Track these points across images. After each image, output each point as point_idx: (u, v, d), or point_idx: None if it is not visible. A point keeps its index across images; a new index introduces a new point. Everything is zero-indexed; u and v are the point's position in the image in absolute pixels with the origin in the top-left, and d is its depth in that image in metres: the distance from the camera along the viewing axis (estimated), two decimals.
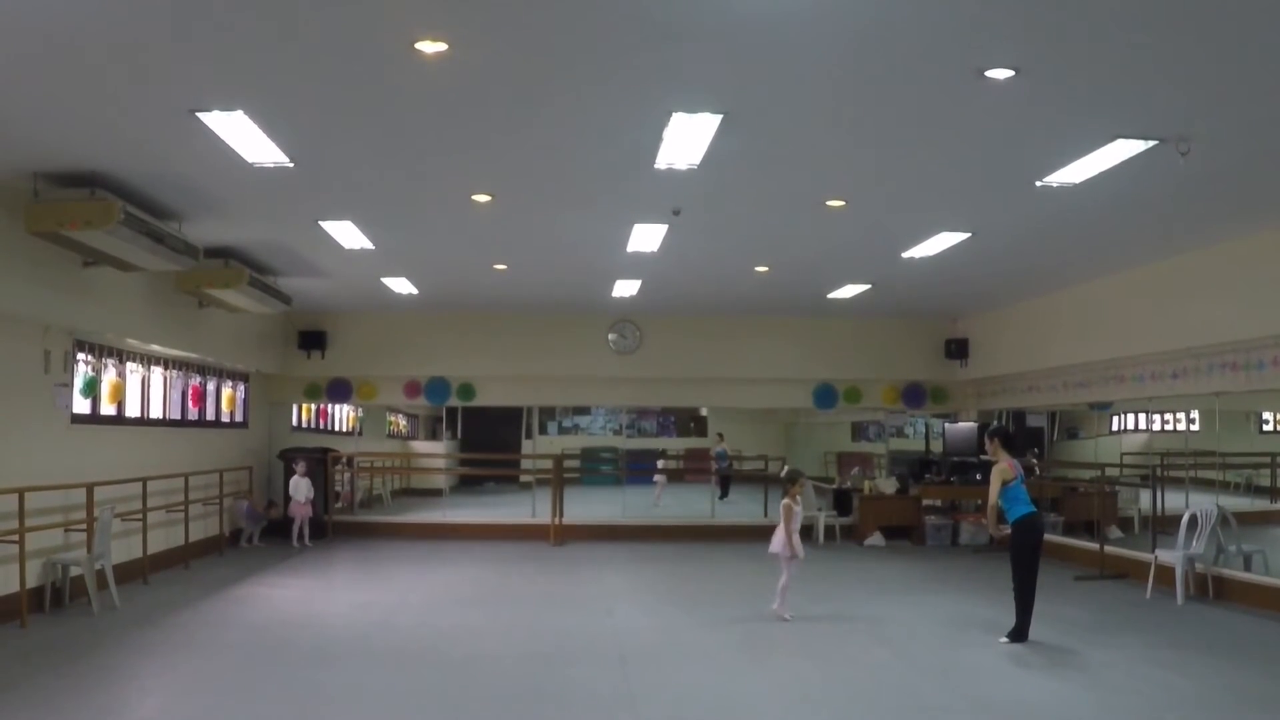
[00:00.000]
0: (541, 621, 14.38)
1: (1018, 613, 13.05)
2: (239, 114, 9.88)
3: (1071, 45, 8.37)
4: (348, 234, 15.30)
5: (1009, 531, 13.16)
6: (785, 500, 14.88)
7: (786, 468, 15.88)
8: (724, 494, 29.30)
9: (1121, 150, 10.90)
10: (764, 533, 23.65)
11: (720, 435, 31.37)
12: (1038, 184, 12.30)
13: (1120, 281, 18.21)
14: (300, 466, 22.45)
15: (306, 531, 22.21)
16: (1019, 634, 12.96)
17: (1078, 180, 12.03)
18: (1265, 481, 18.76)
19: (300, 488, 22.23)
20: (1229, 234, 15.00)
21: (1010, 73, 8.83)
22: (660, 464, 32.09)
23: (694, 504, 27.11)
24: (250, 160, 11.26)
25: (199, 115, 9.84)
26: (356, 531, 23.94)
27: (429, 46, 8.24)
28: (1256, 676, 11.39)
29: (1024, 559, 13.11)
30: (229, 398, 22.05)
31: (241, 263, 17.02)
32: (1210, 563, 16.13)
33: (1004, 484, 13.16)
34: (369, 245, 16.00)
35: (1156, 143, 10.62)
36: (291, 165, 11.49)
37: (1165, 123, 10.21)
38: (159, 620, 13.93)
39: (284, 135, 10.61)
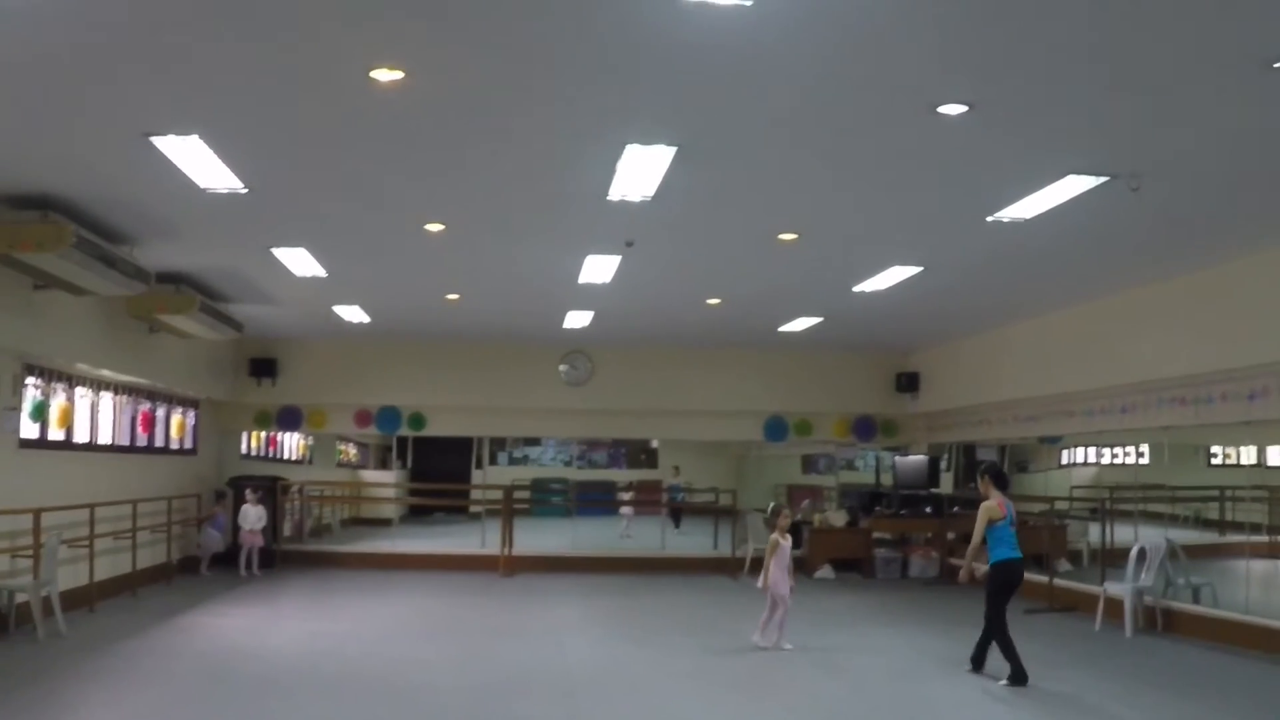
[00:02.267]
0: (491, 653, 14.31)
1: (1005, 657, 12.57)
2: (194, 139, 9.86)
3: (1024, 82, 8.44)
4: (300, 261, 15.25)
5: (983, 571, 12.96)
6: (773, 535, 14.84)
7: (772, 503, 15.50)
8: (677, 524, 29.46)
9: (1073, 186, 11.00)
10: (714, 565, 23.85)
11: (676, 468, 31.49)
12: (989, 219, 12.38)
13: (1070, 316, 18.33)
14: (254, 494, 22.29)
15: (255, 560, 22.02)
16: (1016, 675, 12.44)
17: (1029, 215, 12.11)
18: (1214, 515, 18.89)
19: (249, 516, 22.06)
20: (1179, 269, 15.12)
21: (963, 108, 8.90)
22: (627, 496, 32.06)
23: (645, 536, 27.08)
24: (204, 186, 11.23)
25: (153, 140, 9.82)
26: (305, 561, 23.71)
27: (385, 75, 8.25)
28: (1205, 709, 11.45)
29: (996, 601, 12.75)
30: (179, 424, 21.92)
31: (193, 288, 16.93)
32: (1159, 595, 16.21)
33: (991, 522, 12.84)
34: (321, 273, 15.95)
35: (1108, 179, 10.71)
36: (245, 191, 11.46)
37: (1117, 159, 10.30)
38: (106, 648, 13.79)
39: (238, 161, 10.59)
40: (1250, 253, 13.99)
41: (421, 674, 12.82)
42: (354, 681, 12.35)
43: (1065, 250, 14.12)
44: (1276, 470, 18.37)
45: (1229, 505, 18.71)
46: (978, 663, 13.02)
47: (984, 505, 12.96)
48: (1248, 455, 17.96)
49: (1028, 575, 19.40)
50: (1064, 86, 8.56)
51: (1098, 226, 12.79)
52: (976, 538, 12.96)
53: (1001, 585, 12.74)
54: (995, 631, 12.69)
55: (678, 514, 30.32)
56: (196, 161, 10.47)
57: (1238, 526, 17.37)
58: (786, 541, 14.78)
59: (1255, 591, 15.71)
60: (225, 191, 11.44)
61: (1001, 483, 13.29)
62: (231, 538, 22.23)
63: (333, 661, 13.45)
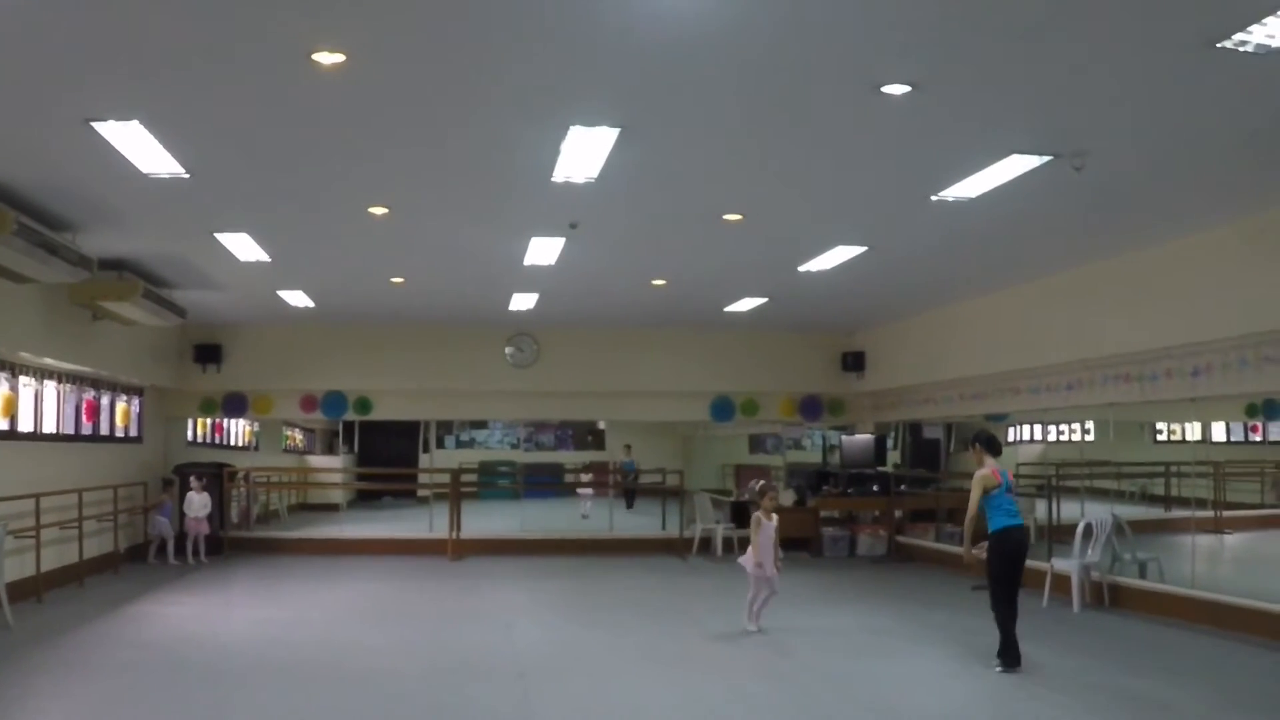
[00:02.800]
0: (440, 637, 14.32)
1: (1001, 634, 12.13)
2: (135, 124, 9.79)
3: (967, 62, 8.48)
4: (243, 246, 15.17)
5: (982, 557, 12.65)
6: (755, 514, 14.64)
7: (760, 482, 15.28)
8: (630, 504, 29.79)
9: (1017, 165, 11.06)
10: (662, 545, 23.84)
11: (628, 447, 31.58)
12: (933, 198, 12.43)
13: (1015, 295, 18.44)
14: (199, 482, 22.19)
15: (202, 548, 21.91)
16: (1008, 657, 12.06)
17: (974, 195, 12.18)
18: (1159, 490, 18.99)
19: (194, 503, 21.95)
20: (1122, 248, 15.23)
21: (907, 89, 8.93)
22: (586, 478, 32.14)
23: (597, 517, 27.06)
24: (146, 171, 11.15)
25: (94, 125, 9.73)
26: (253, 547, 23.60)
27: (326, 57, 8.21)
28: (1152, 683, 11.51)
29: (1001, 574, 12.17)
30: (123, 412, 21.76)
31: (136, 275, 16.82)
32: (1106, 571, 16.32)
33: (986, 491, 12.24)
34: (265, 258, 15.87)
35: (1051, 158, 10.77)
36: (187, 176, 11.39)
37: (1060, 138, 10.37)
38: (54, 639, 13.71)
39: (180, 146, 10.52)
40: (1193, 231, 14.12)
41: (372, 659, 12.78)
42: (305, 668, 12.32)
43: (1010, 229, 14.19)
44: (1221, 446, 18.51)
45: (1174, 481, 18.83)
46: (1011, 657, 12.13)
47: (978, 475, 12.43)
48: (1192, 431, 18.06)
49: (976, 552, 19.56)
50: (1006, 66, 8.60)
51: (1042, 206, 12.85)
52: (972, 509, 12.44)
53: (1001, 555, 12.19)
54: (997, 606, 12.17)
55: (631, 494, 30.66)
56: (138, 146, 10.39)
57: (1183, 502, 17.48)
58: (771, 521, 14.49)
59: (1201, 566, 15.83)
60: (167, 176, 11.37)
61: (994, 449, 12.73)
62: (179, 525, 22.08)
63: (283, 648, 13.41)
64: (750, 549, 14.42)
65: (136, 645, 13.51)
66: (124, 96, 9.23)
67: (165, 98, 9.27)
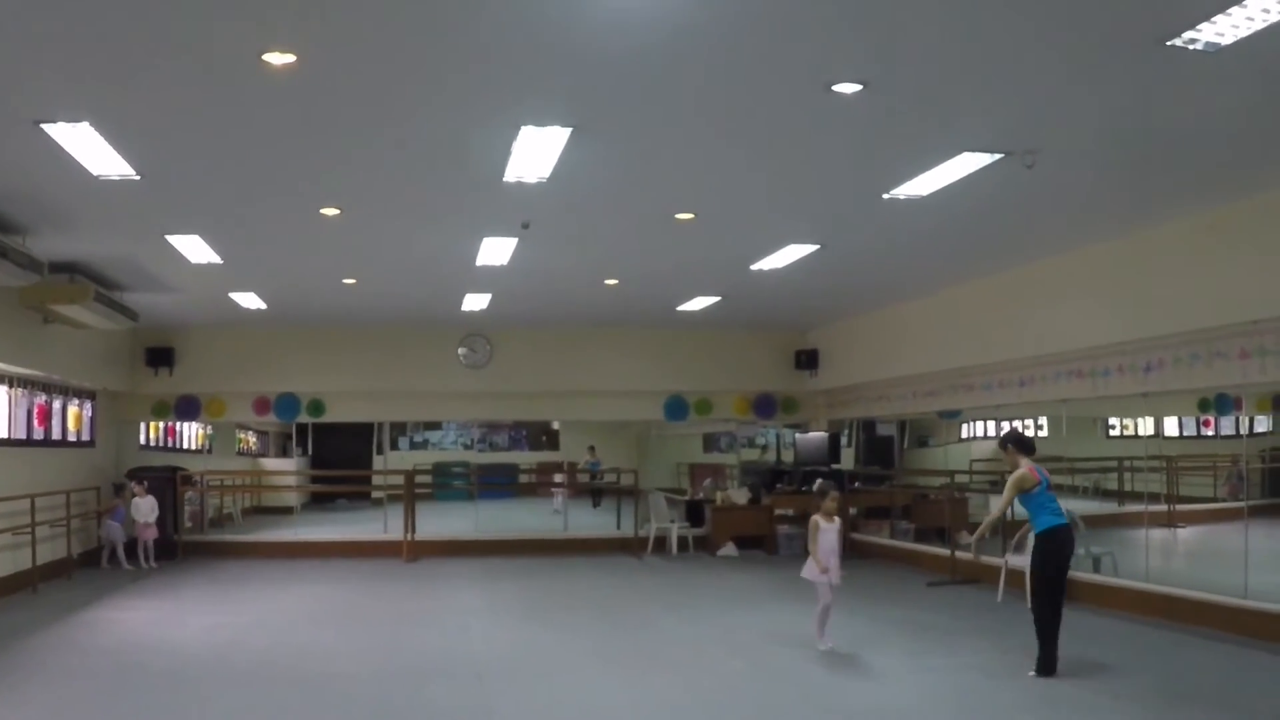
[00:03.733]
0: (397, 639, 14.29)
1: (1040, 641, 11.67)
2: (85, 126, 9.74)
3: (918, 61, 8.53)
4: (195, 248, 15.11)
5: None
6: (814, 517, 13.43)
7: (818, 481, 14.06)
8: (596, 503, 30.37)
9: (968, 163, 11.15)
10: (617, 545, 23.87)
11: (592, 448, 31.75)
12: (885, 196, 12.49)
13: (968, 291, 18.53)
14: (140, 486, 22.05)
15: (150, 553, 21.79)
16: (1046, 666, 11.59)
17: (925, 193, 12.26)
18: (1113, 485, 19.10)
19: (142, 508, 21.81)
20: (1074, 244, 15.34)
21: (858, 87, 8.97)
22: (559, 478, 32.22)
23: (548, 518, 27.05)
24: (96, 173, 11.10)
25: (44, 127, 9.68)
26: (207, 551, 23.49)
27: (277, 58, 8.19)
28: (1108, 676, 11.59)
29: (1047, 577, 11.73)
30: (75, 416, 21.66)
31: (87, 278, 16.70)
32: None
33: (1023, 492, 11.88)
34: (217, 260, 15.81)
35: (1002, 155, 10.83)
36: (138, 178, 11.35)
37: (1011, 136, 10.44)
38: (7, 646, 13.63)
39: (131, 148, 10.48)
40: (1145, 227, 14.24)
41: (328, 662, 12.77)
42: (261, 672, 12.27)
43: (962, 226, 14.27)
44: (1173, 441, 18.63)
45: (1127, 476, 18.94)
46: (1050, 666, 11.64)
47: (1014, 476, 11.98)
48: (1145, 426, 18.17)
49: (930, 548, 19.59)
50: (957, 65, 8.66)
51: (993, 203, 12.94)
52: (1001, 506, 12.38)
53: (1050, 554, 11.75)
54: (1043, 612, 11.68)
55: (598, 493, 31.06)
56: (88, 148, 10.34)
57: (1136, 496, 17.57)
58: (832, 524, 13.37)
59: (1154, 560, 15.96)
60: (118, 178, 11.31)
61: (1027, 448, 12.28)
62: (132, 530, 21.95)
63: (239, 652, 13.37)
64: (810, 558, 13.30)
65: (91, 651, 13.45)
66: (73, 98, 9.19)
67: (115, 99, 9.23)
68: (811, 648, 13.22)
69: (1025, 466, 11.97)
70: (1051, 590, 11.72)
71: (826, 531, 13.23)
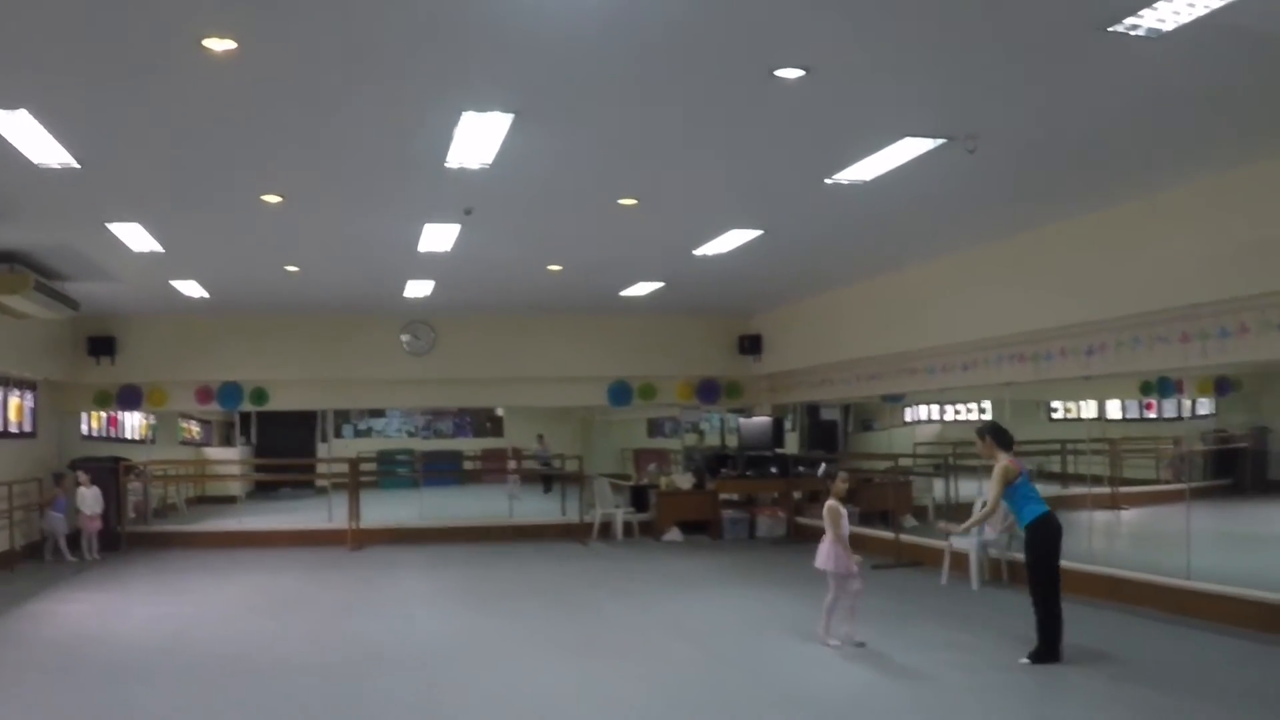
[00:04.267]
0: (342, 628, 14.29)
1: (1040, 629, 11.58)
2: (23, 113, 9.66)
3: (860, 46, 8.57)
4: (136, 236, 15.02)
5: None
6: (830, 502, 12.77)
7: (824, 465, 13.79)
8: (547, 489, 30.75)
9: (910, 148, 11.20)
10: (562, 531, 23.87)
11: (541, 436, 31.97)
12: (828, 181, 12.53)
13: (911, 275, 18.63)
14: (84, 477, 21.92)
15: (95, 544, 21.66)
16: (1047, 653, 11.49)
17: (868, 177, 12.30)
18: (1056, 468, 19.24)
19: (86, 499, 21.68)
20: (1016, 229, 15.45)
21: (800, 72, 9.00)
22: (513, 465, 32.64)
23: (492, 505, 27.07)
24: (35, 161, 11.01)
25: None
26: (151, 542, 23.37)
27: (217, 44, 8.15)
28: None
29: (1044, 565, 11.64)
30: (16, 407, 21.50)
31: (27, 267, 16.59)
32: (1004, 548, 16.51)
33: (1008, 483, 11.75)
34: (158, 248, 15.72)
35: (944, 141, 10.90)
36: (78, 166, 11.26)
37: (953, 121, 10.50)
38: None
39: (70, 136, 10.41)
40: (1086, 212, 14.36)
41: (274, 652, 12.74)
42: (206, 663, 12.21)
43: (905, 211, 14.33)
44: (1116, 423, 18.80)
45: (1070, 458, 19.09)
46: (1052, 653, 11.53)
47: (999, 468, 11.83)
48: (1088, 409, 18.32)
49: (874, 532, 19.67)
50: (899, 50, 8.71)
51: (936, 188, 13.01)
52: (993, 502, 12.04)
53: (1044, 542, 11.68)
54: (1046, 600, 11.57)
55: (548, 479, 31.24)
56: (27, 136, 10.26)
57: (1079, 479, 17.72)
58: (845, 509, 12.86)
59: (1098, 542, 16.13)
60: (57, 166, 11.23)
61: (1005, 441, 12.11)
62: (74, 521, 21.82)
63: (183, 643, 13.32)
64: (827, 544, 12.59)
65: (35, 643, 13.40)
66: (11, 85, 9.12)
67: (54, 86, 9.17)
68: (758, 632, 13.28)
69: (1006, 459, 11.89)
70: (1050, 575, 11.65)
71: (845, 517, 12.71)
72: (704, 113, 10.29)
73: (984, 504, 12.68)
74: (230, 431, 31.22)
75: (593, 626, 14.18)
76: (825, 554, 12.51)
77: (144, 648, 13.02)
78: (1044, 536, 11.69)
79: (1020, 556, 12.94)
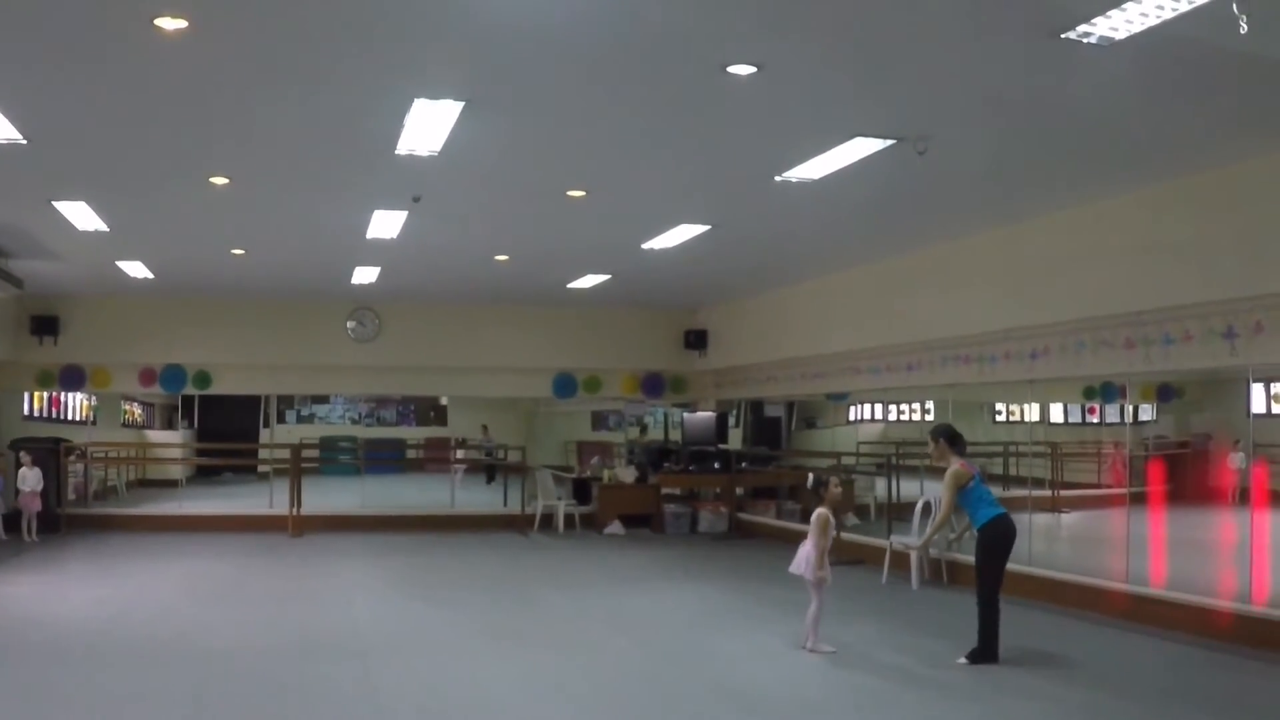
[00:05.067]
0: (281, 615, 14.22)
1: (981, 629, 11.50)
2: None
3: (812, 44, 8.60)
4: (82, 215, 14.90)
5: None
6: (821, 509, 12.24)
7: (812, 475, 13.32)
8: (490, 479, 30.89)
9: (861, 148, 11.26)
10: (504, 522, 23.88)
11: (485, 427, 32.27)
12: (777, 179, 12.56)
13: (857, 275, 18.71)
14: (26, 457, 21.75)
15: (34, 525, 21.51)
16: (986, 653, 11.41)
17: (817, 176, 12.34)
18: (998, 470, 19.33)
19: (28, 479, 21.53)
20: (964, 231, 15.57)
21: (752, 69, 9.02)
22: (460, 454, 32.75)
23: (434, 493, 27.01)
24: None
25: None
26: (90, 524, 23.19)
27: (169, 23, 8.09)
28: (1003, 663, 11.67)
29: (993, 567, 11.57)
30: None
31: None
32: (944, 548, 16.54)
33: (961, 488, 11.65)
34: (104, 227, 15.60)
35: (895, 141, 10.95)
36: (25, 142, 11.18)
37: (904, 122, 10.56)
38: None
39: (17, 111, 10.32)
40: (1033, 216, 14.51)
41: (212, 637, 12.64)
42: (144, 647, 12.12)
43: (853, 211, 14.41)
44: (1059, 427, 18.91)
45: (1013, 461, 19.19)
46: (990, 653, 11.45)
47: (950, 472, 11.77)
48: (1031, 413, 18.42)
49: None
50: (851, 50, 8.75)
51: (885, 189, 13.09)
52: (945, 510, 11.94)
53: (994, 546, 11.59)
54: (989, 601, 11.46)
55: (491, 469, 31.40)
56: None
57: (1021, 481, 17.84)
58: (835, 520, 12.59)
59: (1038, 544, 16.19)
60: (4, 142, 11.13)
61: (958, 445, 12.03)
62: (12, 501, 21.67)
63: (121, 628, 13.23)
64: (807, 551, 12.14)
65: None
66: None
67: (1, 61, 9.10)
68: (697, 626, 13.31)
69: (957, 463, 11.81)
70: (996, 577, 11.57)
71: (833, 526, 12.42)
72: (655, 107, 10.30)
73: (925, 505, 12.67)
74: (173, 415, 31.11)
75: (533, 618, 14.16)
76: (803, 561, 12.13)
77: (81, 631, 12.91)
78: (995, 538, 11.60)
79: (961, 557, 12.95)
